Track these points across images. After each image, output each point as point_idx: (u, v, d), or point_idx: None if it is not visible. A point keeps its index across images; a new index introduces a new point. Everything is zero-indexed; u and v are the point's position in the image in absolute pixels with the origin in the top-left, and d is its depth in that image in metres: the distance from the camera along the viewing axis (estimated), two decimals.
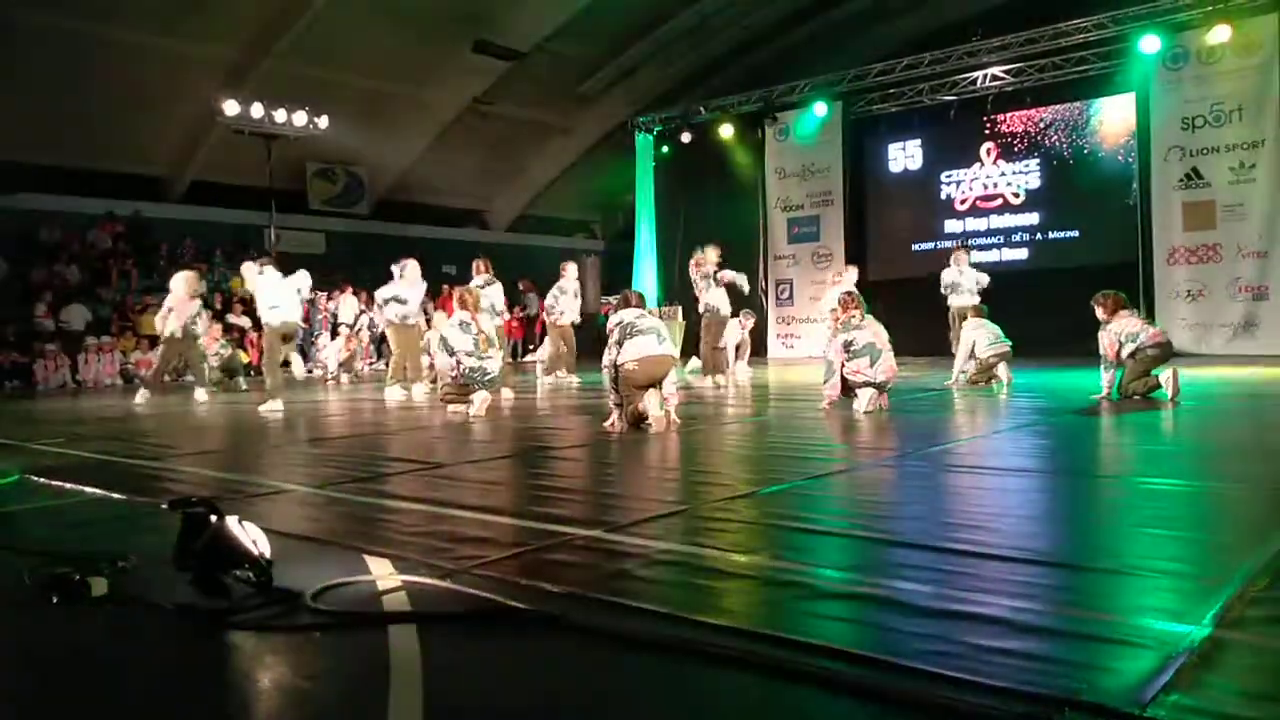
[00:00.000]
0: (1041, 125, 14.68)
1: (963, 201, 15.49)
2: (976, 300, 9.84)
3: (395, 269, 9.79)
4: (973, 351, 8.50)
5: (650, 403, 5.73)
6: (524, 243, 22.90)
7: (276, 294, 8.59)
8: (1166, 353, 6.81)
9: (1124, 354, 6.76)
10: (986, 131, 15.10)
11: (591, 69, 19.49)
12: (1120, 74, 13.51)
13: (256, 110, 15.76)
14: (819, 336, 14.03)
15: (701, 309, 10.21)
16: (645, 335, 5.76)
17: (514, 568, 2.52)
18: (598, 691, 1.75)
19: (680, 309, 15.89)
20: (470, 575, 2.44)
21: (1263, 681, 1.69)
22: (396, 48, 16.95)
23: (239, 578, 2.33)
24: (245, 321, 16.10)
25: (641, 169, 18.27)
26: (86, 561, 2.45)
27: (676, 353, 6.33)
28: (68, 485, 4.19)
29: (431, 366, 9.67)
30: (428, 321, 10.96)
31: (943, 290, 10.69)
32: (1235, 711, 1.54)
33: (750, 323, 12.70)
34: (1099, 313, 7.00)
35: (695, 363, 10.50)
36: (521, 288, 19.79)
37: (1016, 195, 14.92)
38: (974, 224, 15.38)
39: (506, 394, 8.65)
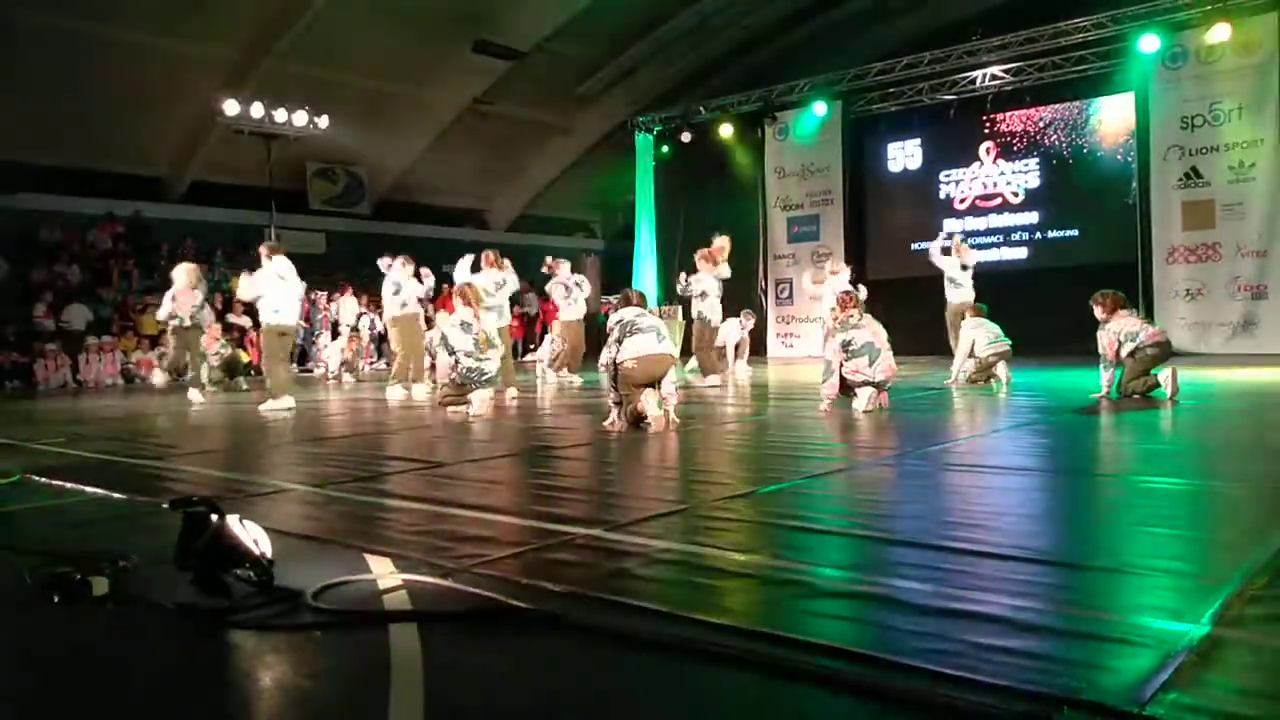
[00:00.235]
0: (1041, 124, 14.68)
1: (962, 201, 15.49)
2: (972, 296, 9.86)
3: (382, 263, 9.86)
4: (972, 350, 8.50)
5: (649, 402, 5.73)
6: (524, 243, 22.87)
7: (281, 295, 8.58)
8: (1166, 352, 6.82)
9: (1123, 353, 6.77)
10: (986, 131, 15.10)
11: (591, 69, 19.49)
12: (1119, 73, 13.51)
13: (256, 110, 15.76)
14: (818, 335, 14.04)
15: (694, 315, 10.21)
16: (645, 334, 5.77)
17: (514, 567, 2.52)
18: (598, 690, 1.75)
19: (680, 308, 15.89)
20: (471, 574, 2.44)
21: (1262, 680, 1.69)
22: (396, 48, 16.95)
23: (240, 577, 2.34)
24: (245, 321, 16.11)
25: (641, 169, 18.27)
26: (88, 561, 2.45)
27: (676, 352, 6.34)
28: (69, 485, 4.20)
29: (433, 367, 9.68)
30: (428, 321, 10.96)
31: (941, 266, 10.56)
32: (1234, 710, 1.55)
33: (750, 322, 12.71)
34: (1098, 312, 7.00)
35: (694, 362, 10.50)
36: (523, 289, 19.77)
37: (1016, 194, 14.92)
38: (973, 223, 15.37)
39: (510, 393, 8.66)
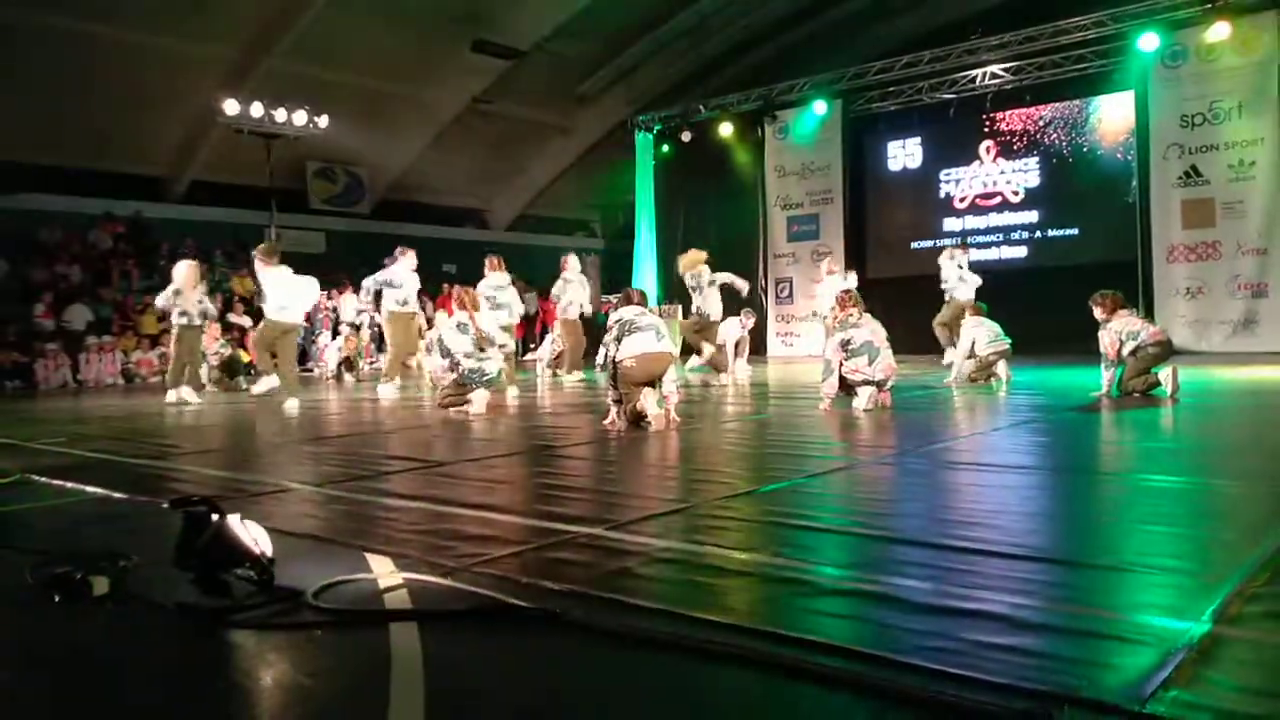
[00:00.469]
0: (1041, 123, 14.68)
1: (962, 200, 15.48)
2: (972, 294, 9.89)
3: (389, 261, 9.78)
4: (972, 349, 8.50)
5: (649, 401, 5.73)
6: (524, 242, 22.90)
7: (289, 293, 8.59)
8: (1167, 351, 6.82)
9: (1125, 352, 6.77)
10: (986, 130, 15.10)
11: (591, 68, 19.49)
12: (1119, 72, 13.50)
13: (256, 110, 15.76)
14: (818, 335, 14.03)
15: (694, 312, 10.20)
16: (644, 332, 5.77)
17: (515, 565, 2.52)
18: (599, 689, 1.75)
19: (680, 308, 15.88)
20: (471, 573, 2.44)
21: (1262, 677, 1.69)
22: (396, 47, 16.95)
23: (240, 576, 2.34)
24: (246, 321, 16.11)
25: (641, 168, 18.26)
26: (88, 560, 2.45)
27: (676, 350, 6.34)
28: (69, 484, 4.20)
29: (419, 366, 9.68)
30: (428, 321, 10.96)
31: (945, 286, 10.60)
32: (1235, 707, 1.55)
33: (750, 321, 12.71)
34: (1098, 313, 7.01)
35: (695, 360, 10.49)
36: (518, 288, 19.76)
37: (1016, 193, 14.92)
38: (973, 222, 15.38)
39: (511, 392, 8.66)
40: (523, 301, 19.62)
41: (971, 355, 8.53)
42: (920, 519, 3.08)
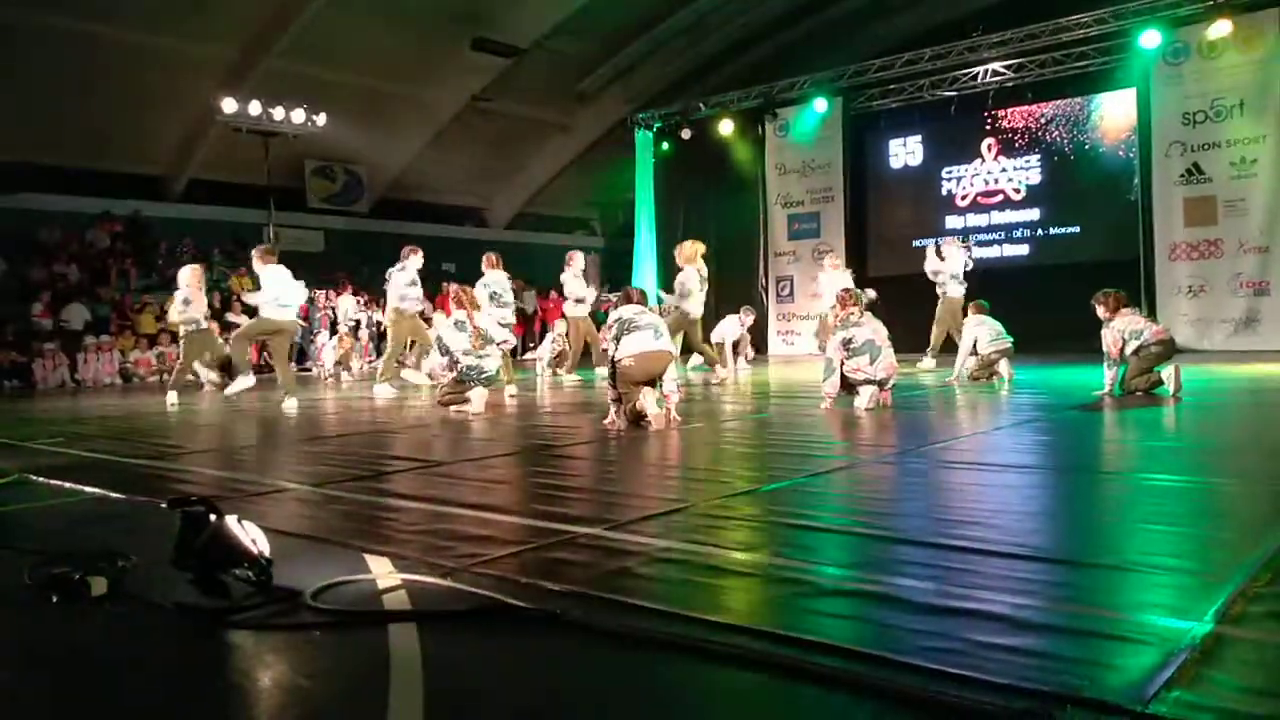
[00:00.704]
0: (1042, 121, 14.67)
1: (964, 197, 15.47)
2: (961, 292, 9.93)
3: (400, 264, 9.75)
4: (974, 348, 8.49)
5: (649, 400, 5.72)
6: (524, 240, 22.90)
7: (286, 291, 8.58)
8: (1169, 350, 6.81)
9: (1127, 350, 6.76)
10: (987, 127, 15.09)
11: (591, 66, 19.48)
12: (1121, 69, 13.49)
13: (255, 108, 15.75)
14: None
15: (674, 308, 10.06)
16: (643, 331, 5.75)
17: (514, 566, 2.52)
18: (599, 689, 1.74)
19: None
20: (470, 573, 2.43)
21: (1265, 677, 1.68)
22: (395, 46, 16.94)
23: (239, 577, 2.33)
24: (244, 320, 16.10)
25: (641, 166, 18.24)
26: (86, 560, 2.44)
27: (675, 349, 6.32)
28: (67, 484, 4.19)
29: (417, 364, 9.68)
30: (427, 321, 10.95)
31: (939, 277, 10.57)
32: (1237, 707, 1.54)
33: (750, 319, 12.68)
34: (1100, 312, 7.00)
35: (696, 359, 10.46)
36: (516, 286, 19.75)
37: (1017, 191, 14.91)
38: (975, 220, 15.37)
39: (509, 390, 8.65)
40: (521, 300, 19.71)
41: (973, 354, 8.52)
42: (921, 518, 3.07)
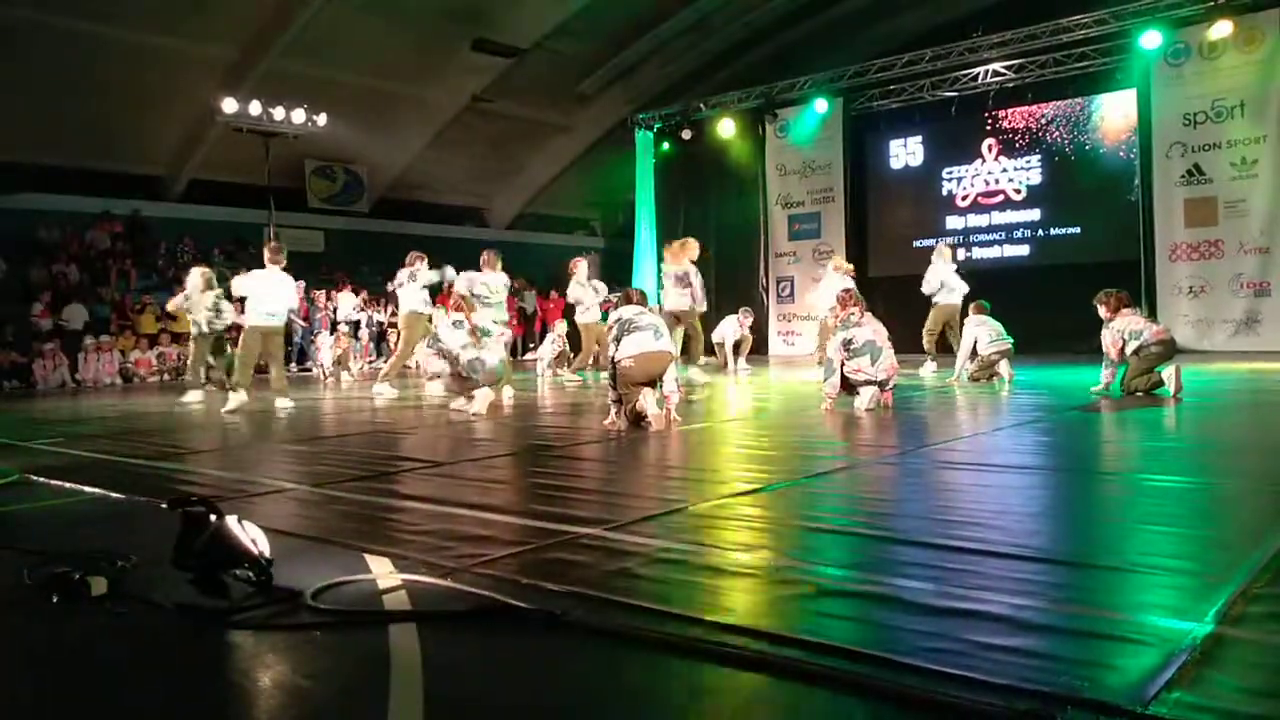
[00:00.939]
0: (1043, 121, 14.66)
1: (964, 198, 15.47)
2: (958, 301, 9.93)
3: (409, 270, 9.76)
4: (974, 349, 8.49)
5: (649, 401, 5.72)
6: (524, 240, 22.91)
7: (276, 296, 8.58)
8: (1170, 350, 6.81)
9: (1128, 350, 6.76)
10: (988, 128, 15.08)
11: (591, 66, 19.47)
12: (1121, 70, 13.49)
13: (255, 108, 15.74)
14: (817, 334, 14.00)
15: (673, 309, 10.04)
16: (643, 331, 5.75)
17: (514, 566, 2.52)
18: (599, 690, 1.74)
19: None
20: (471, 574, 2.43)
21: (1265, 678, 1.68)
22: (395, 46, 16.95)
23: (239, 577, 2.33)
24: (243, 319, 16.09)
25: (641, 166, 18.24)
26: (86, 560, 2.44)
27: (675, 350, 6.32)
28: (67, 484, 4.19)
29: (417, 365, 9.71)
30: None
31: (930, 289, 10.52)
32: (1238, 708, 1.54)
33: (749, 320, 12.67)
34: (1102, 312, 7.00)
35: (704, 359, 10.41)
36: (517, 285, 19.78)
37: (1018, 191, 14.90)
38: (975, 220, 15.36)
39: (507, 392, 8.62)
40: (522, 300, 19.73)
41: (974, 355, 8.52)
42: (922, 519, 3.06)
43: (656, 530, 2.94)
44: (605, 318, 8.60)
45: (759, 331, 15.05)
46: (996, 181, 15.12)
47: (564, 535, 2.86)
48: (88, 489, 4.05)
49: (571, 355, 12.34)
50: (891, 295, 13.35)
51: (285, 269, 8.86)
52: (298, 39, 15.94)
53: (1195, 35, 12.49)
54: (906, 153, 16.25)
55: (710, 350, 12.52)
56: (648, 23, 18.12)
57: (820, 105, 16.13)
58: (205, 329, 9.79)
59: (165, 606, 2.21)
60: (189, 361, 9.91)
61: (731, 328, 12.43)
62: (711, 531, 2.94)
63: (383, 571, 2.48)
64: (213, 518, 2.35)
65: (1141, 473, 4.04)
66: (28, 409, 10.13)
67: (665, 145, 18.00)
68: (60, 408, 10.08)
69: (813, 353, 12.07)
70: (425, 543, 2.83)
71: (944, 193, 15.67)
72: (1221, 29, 12.16)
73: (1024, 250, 14.93)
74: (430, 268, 9.55)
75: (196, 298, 9.82)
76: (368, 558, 2.63)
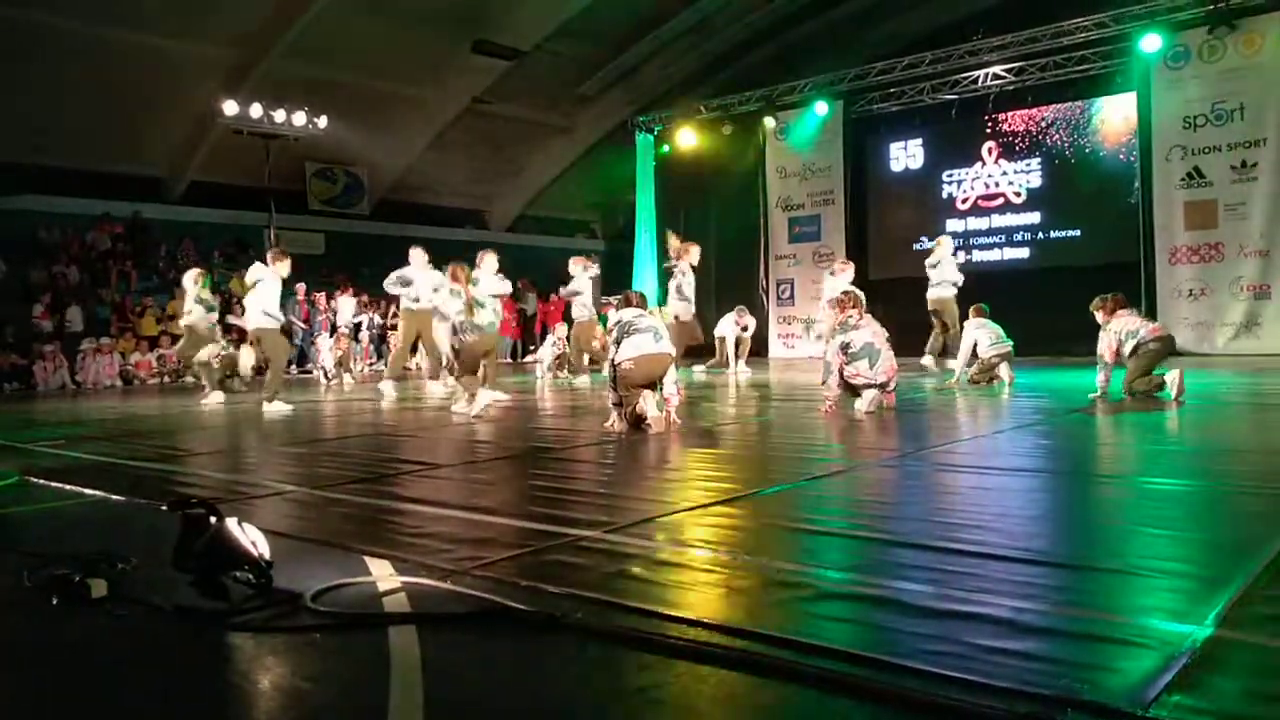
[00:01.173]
0: (1043, 124, 14.66)
1: (964, 201, 15.47)
2: (953, 292, 9.97)
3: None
4: (974, 351, 8.49)
5: (649, 403, 5.72)
6: (524, 242, 22.90)
7: (275, 302, 8.60)
8: (1168, 346, 6.78)
9: (1125, 351, 6.74)
10: (988, 131, 15.08)
11: (592, 68, 19.48)
12: (1121, 73, 13.49)
13: (255, 110, 15.75)
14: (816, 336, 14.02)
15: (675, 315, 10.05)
16: (643, 333, 5.74)
17: (514, 569, 2.52)
18: (598, 691, 1.74)
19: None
20: (470, 576, 2.43)
21: (1265, 681, 1.68)
22: (396, 48, 16.95)
23: (239, 579, 2.33)
24: (246, 322, 16.08)
25: (642, 168, 18.24)
26: (86, 563, 2.44)
27: (675, 351, 6.31)
28: (67, 486, 4.19)
29: (418, 367, 9.78)
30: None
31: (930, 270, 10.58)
32: (1238, 711, 1.54)
33: (745, 319, 12.62)
34: (1099, 317, 6.98)
35: (709, 360, 10.42)
36: (520, 285, 19.81)
37: (1018, 194, 14.90)
38: (975, 223, 15.36)
39: (497, 395, 8.48)
40: (524, 302, 19.73)
41: (974, 358, 8.52)
42: (922, 522, 3.06)
43: (656, 533, 2.94)
44: (604, 321, 8.62)
45: (759, 333, 15.05)
46: (996, 184, 15.12)
47: (563, 538, 2.86)
48: (87, 491, 4.05)
49: (571, 359, 12.34)
50: (891, 298, 13.33)
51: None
52: (299, 41, 15.95)
53: (1195, 38, 12.50)
54: (907, 155, 16.25)
55: (711, 350, 12.54)
56: (648, 24, 18.12)
57: (820, 108, 16.14)
58: (201, 328, 9.87)
59: (165, 609, 2.21)
60: (205, 358, 10.00)
61: (728, 327, 12.43)
62: (711, 534, 2.94)
63: (383, 574, 2.48)
64: (213, 520, 2.35)
65: (1141, 475, 4.04)
66: (28, 410, 10.12)
67: (666, 147, 18.00)
68: (60, 409, 10.08)
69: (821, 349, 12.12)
70: (425, 545, 2.83)
71: (944, 195, 15.67)
72: (1221, 32, 12.17)
73: (1024, 253, 14.93)
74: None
75: (193, 298, 9.90)
76: (367, 560, 2.63)
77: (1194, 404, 6.39)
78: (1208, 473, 4.08)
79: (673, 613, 2.08)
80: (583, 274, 11.14)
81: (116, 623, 2.19)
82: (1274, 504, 3.24)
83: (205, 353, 10.17)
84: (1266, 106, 12.01)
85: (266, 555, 2.35)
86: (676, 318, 10.07)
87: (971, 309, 9.00)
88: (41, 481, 4.36)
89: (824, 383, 6.64)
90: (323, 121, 16.68)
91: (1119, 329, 6.79)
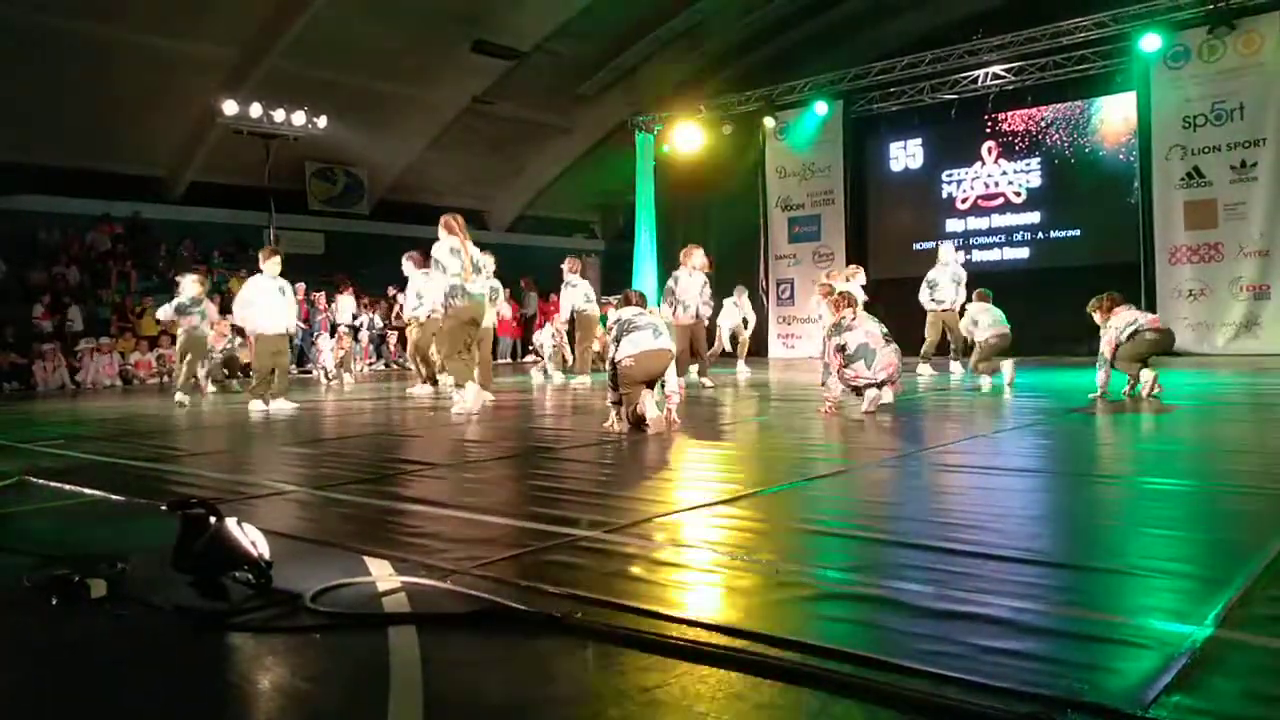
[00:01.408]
0: (1042, 124, 14.67)
1: (964, 201, 15.47)
2: (946, 306, 10.03)
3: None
4: (974, 337, 8.53)
5: (649, 403, 5.71)
6: (524, 243, 22.89)
7: (271, 304, 8.59)
8: (1166, 340, 6.77)
9: (1124, 339, 6.72)
10: (988, 130, 15.09)
11: (591, 68, 19.47)
12: (1121, 73, 13.49)
13: (255, 110, 15.74)
14: (818, 337, 13.98)
15: (695, 315, 10.02)
16: (642, 331, 5.74)
17: (514, 569, 2.52)
18: (597, 692, 1.74)
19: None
20: (470, 576, 2.43)
21: (1265, 682, 1.68)
22: (396, 48, 16.94)
23: (238, 579, 2.33)
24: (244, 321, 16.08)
25: (641, 168, 18.24)
26: (86, 563, 2.44)
27: (675, 348, 6.29)
28: (67, 486, 4.19)
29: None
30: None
31: (936, 293, 10.56)
32: (1237, 712, 1.54)
33: (743, 296, 12.59)
34: (1097, 318, 6.98)
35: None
36: (523, 285, 19.82)
37: (1018, 194, 14.91)
38: (975, 223, 15.36)
39: (487, 396, 8.40)
40: (525, 303, 19.73)
41: (973, 344, 8.53)
42: (922, 522, 3.06)
43: (656, 533, 2.94)
44: (604, 321, 8.60)
45: (759, 333, 15.05)
46: (996, 184, 15.12)
47: (563, 538, 2.86)
48: (87, 491, 4.05)
49: (569, 354, 12.34)
50: (891, 298, 13.33)
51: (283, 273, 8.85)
52: (298, 41, 15.94)
53: (1195, 38, 12.51)
54: (906, 155, 16.26)
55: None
56: (648, 24, 18.11)
57: (820, 108, 16.14)
58: (203, 329, 9.92)
59: (165, 608, 2.21)
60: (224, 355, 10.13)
61: (729, 313, 12.37)
62: (711, 534, 2.94)
63: (382, 574, 2.48)
64: (212, 520, 2.35)
65: (1141, 476, 4.04)
66: (28, 410, 10.12)
67: (665, 147, 18.00)
68: (60, 409, 10.08)
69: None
70: (425, 545, 2.83)
71: (944, 195, 15.68)
72: (1221, 32, 12.17)
73: (1024, 253, 14.94)
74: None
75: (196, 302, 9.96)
76: (367, 560, 2.63)
77: (1194, 404, 6.40)
78: (1208, 473, 4.08)
79: (673, 613, 2.08)
80: (575, 275, 11.18)
81: (116, 623, 2.19)
82: (1274, 504, 3.24)
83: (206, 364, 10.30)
84: (1266, 106, 12.02)
85: (266, 555, 2.35)
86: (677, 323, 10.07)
87: (975, 293, 9.02)
88: (41, 481, 4.36)
89: (823, 383, 6.63)
90: (322, 121, 16.67)
91: (1119, 324, 6.79)
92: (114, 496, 3.90)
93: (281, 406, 8.38)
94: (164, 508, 2.51)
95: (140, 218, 18.35)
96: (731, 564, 2.53)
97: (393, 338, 17.65)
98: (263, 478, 4.41)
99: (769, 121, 16.80)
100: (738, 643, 1.87)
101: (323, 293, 17.16)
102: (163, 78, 16.02)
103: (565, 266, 11.22)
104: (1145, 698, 1.56)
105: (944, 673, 1.67)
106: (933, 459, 4.50)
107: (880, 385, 6.42)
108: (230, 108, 15.48)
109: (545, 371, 12.35)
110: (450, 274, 7.34)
